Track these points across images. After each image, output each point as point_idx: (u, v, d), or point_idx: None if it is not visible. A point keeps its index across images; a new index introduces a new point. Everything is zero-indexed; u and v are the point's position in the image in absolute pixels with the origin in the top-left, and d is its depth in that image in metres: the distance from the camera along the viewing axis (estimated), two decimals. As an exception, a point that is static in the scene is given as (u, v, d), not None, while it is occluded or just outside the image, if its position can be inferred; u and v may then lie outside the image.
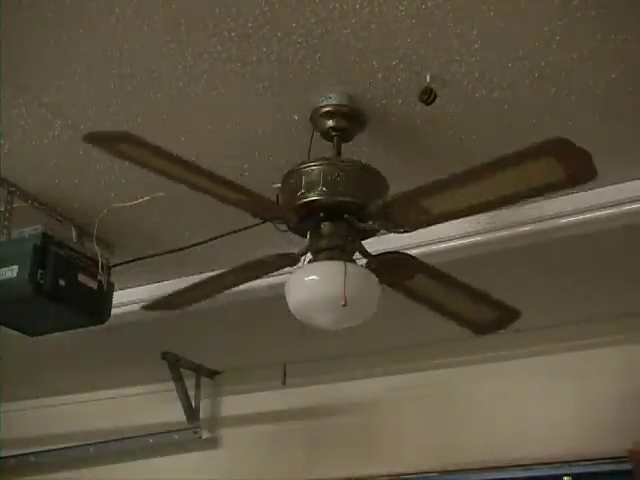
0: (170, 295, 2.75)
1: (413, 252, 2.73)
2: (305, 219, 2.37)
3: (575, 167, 1.91)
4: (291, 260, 2.44)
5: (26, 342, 3.21)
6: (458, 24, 2.10)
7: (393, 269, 2.42)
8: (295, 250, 2.42)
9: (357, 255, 2.45)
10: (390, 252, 2.42)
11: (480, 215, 2.92)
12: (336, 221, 2.34)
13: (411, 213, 2.22)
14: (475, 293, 2.52)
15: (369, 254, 2.42)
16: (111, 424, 4.68)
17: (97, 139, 2.11)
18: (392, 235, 2.67)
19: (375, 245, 2.49)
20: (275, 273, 3.14)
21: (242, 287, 3.25)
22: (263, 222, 2.45)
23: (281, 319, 2.63)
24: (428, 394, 4.01)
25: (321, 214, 2.34)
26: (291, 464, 4.19)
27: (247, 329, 3.89)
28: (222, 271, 2.59)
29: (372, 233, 2.43)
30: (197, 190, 2.23)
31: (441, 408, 3.99)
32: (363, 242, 2.44)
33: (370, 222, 2.32)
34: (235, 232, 2.67)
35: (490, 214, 2.91)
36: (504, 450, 3.74)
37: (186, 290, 2.67)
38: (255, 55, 2.23)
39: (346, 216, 2.32)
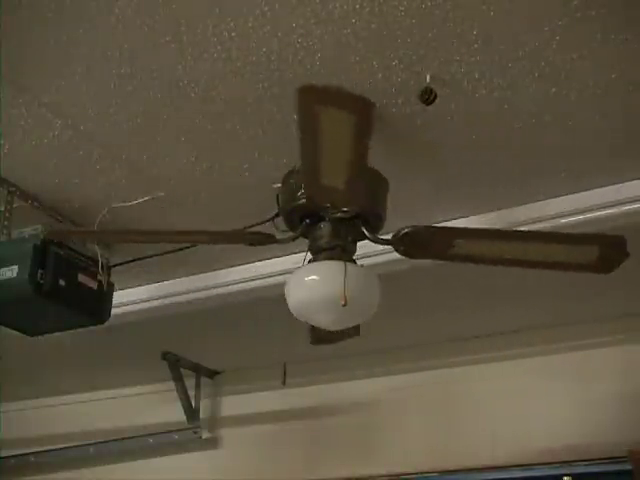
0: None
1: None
2: (305, 219, 2.37)
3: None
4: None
5: (26, 342, 3.21)
6: (458, 24, 2.10)
7: (425, 243, 2.33)
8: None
9: (358, 255, 2.45)
10: (411, 227, 2.33)
11: (480, 215, 2.93)
12: (336, 221, 2.34)
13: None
14: (561, 237, 2.34)
15: (389, 240, 2.35)
16: (111, 424, 4.68)
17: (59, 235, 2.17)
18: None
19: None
20: (275, 273, 3.15)
21: (242, 287, 3.27)
22: (265, 222, 2.46)
23: (281, 319, 2.63)
24: (428, 394, 4.01)
25: (320, 214, 2.34)
26: (291, 464, 4.20)
27: (247, 329, 3.89)
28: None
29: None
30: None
31: (441, 408, 3.99)
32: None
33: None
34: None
35: (490, 214, 2.92)
36: (504, 450, 3.74)
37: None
38: (255, 55, 2.23)
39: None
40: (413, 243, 2.33)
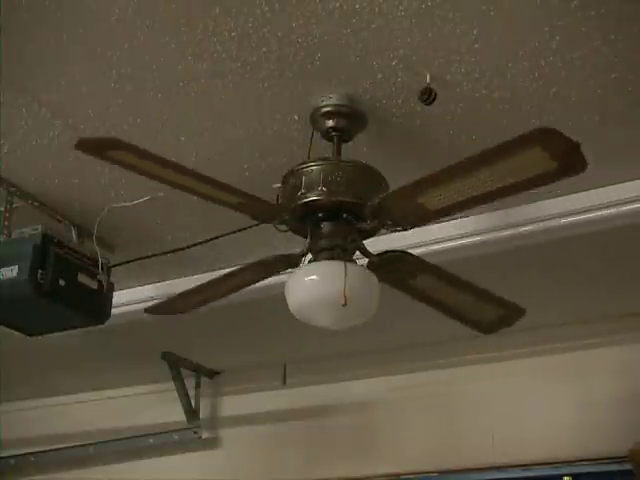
0: (172, 298, 2.75)
1: (414, 252, 2.73)
2: (305, 219, 2.37)
3: (564, 156, 1.91)
4: (292, 261, 2.44)
5: (26, 342, 3.21)
6: (458, 24, 2.10)
7: (395, 268, 2.42)
8: (296, 250, 2.42)
9: (358, 255, 2.45)
10: (392, 251, 2.42)
11: (480, 215, 2.92)
12: (336, 221, 2.34)
13: (408, 210, 2.22)
14: (478, 292, 2.52)
15: (370, 254, 2.42)
16: (111, 424, 4.68)
17: (88, 146, 2.06)
18: (393, 235, 2.67)
19: (376, 245, 2.49)
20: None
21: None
22: (263, 222, 2.45)
23: (281, 319, 2.63)
24: (428, 394, 4.01)
25: (321, 214, 2.34)
26: (291, 464, 4.20)
27: (247, 329, 3.89)
28: (223, 274, 2.59)
29: (372, 233, 2.42)
30: (194, 194, 2.23)
31: (441, 408, 3.99)
32: (364, 242, 2.43)
33: (368, 221, 2.31)
34: (235, 232, 2.67)
35: (490, 214, 2.92)
36: (504, 450, 3.74)
37: (188, 294, 2.67)
38: (255, 55, 2.23)
39: (345, 215, 2.32)
40: (385, 266, 2.39)
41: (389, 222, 2.31)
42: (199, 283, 3.40)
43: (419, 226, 2.37)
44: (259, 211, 2.34)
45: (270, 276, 2.59)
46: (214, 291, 2.65)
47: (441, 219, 2.96)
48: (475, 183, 2.04)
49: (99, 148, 2.06)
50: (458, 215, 2.95)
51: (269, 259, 2.46)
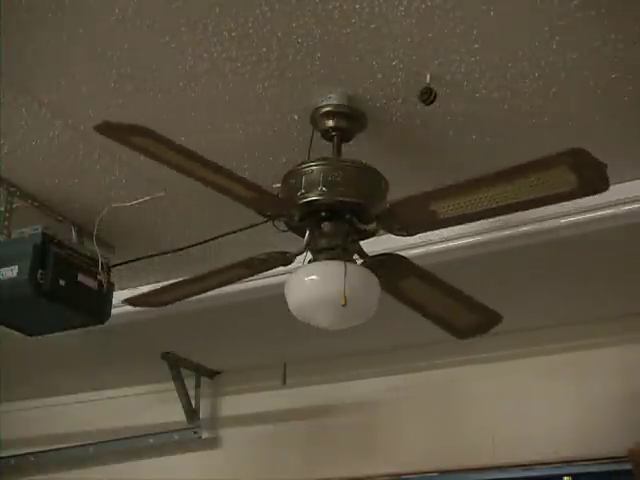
0: (155, 290, 2.75)
1: (412, 252, 2.73)
2: (305, 219, 2.37)
3: (589, 177, 1.91)
4: (286, 259, 2.44)
5: (26, 342, 3.21)
6: (458, 24, 2.10)
7: (387, 271, 2.42)
8: (293, 249, 2.42)
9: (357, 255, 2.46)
10: (383, 254, 2.42)
11: (480, 215, 2.93)
12: (336, 221, 2.34)
13: (419, 217, 2.22)
14: (458, 296, 2.52)
15: (365, 254, 2.42)
16: (111, 424, 4.67)
17: (110, 130, 2.04)
18: (391, 235, 2.67)
19: (374, 246, 2.49)
20: (275, 273, 3.14)
21: (242, 287, 3.26)
22: (265, 222, 2.45)
23: (281, 319, 2.63)
24: (428, 394, 4.01)
25: (321, 214, 2.34)
26: (291, 464, 4.20)
27: (247, 329, 3.88)
28: (211, 269, 2.58)
29: (372, 234, 2.43)
30: (206, 184, 2.23)
31: (441, 408, 3.99)
32: (362, 242, 2.44)
33: (373, 223, 2.31)
34: (235, 232, 2.67)
35: (490, 214, 2.92)
36: (504, 450, 3.74)
37: (172, 287, 2.67)
38: (255, 55, 2.23)
39: (347, 216, 2.32)
40: (379, 268, 2.39)
41: (396, 226, 2.31)
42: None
43: (424, 232, 2.37)
44: (268, 205, 2.33)
45: (260, 273, 2.58)
46: (199, 286, 2.65)
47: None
48: (493, 197, 2.05)
49: (121, 132, 2.04)
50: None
51: (261, 256, 2.45)
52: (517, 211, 2.12)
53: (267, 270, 2.56)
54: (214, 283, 2.65)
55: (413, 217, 2.24)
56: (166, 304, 2.80)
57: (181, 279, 2.67)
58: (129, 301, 2.86)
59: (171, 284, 2.67)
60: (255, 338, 4.00)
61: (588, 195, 2.01)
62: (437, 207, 2.14)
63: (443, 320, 2.64)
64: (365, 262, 2.41)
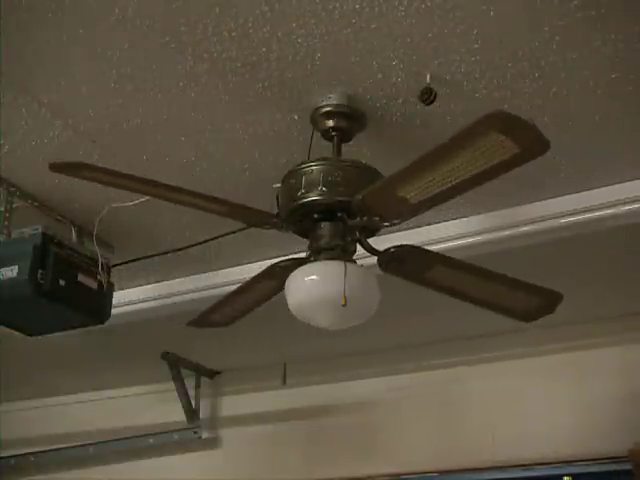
0: (211, 312, 2.75)
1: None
2: (305, 219, 2.37)
3: (524, 138, 1.90)
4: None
5: (26, 342, 3.21)
6: (458, 24, 2.10)
7: (407, 264, 2.39)
8: (303, 254, 2.41)
9: (357, 255, 2.45)
10: (394, 246, 2.39)
11: (480, 215, 2.93)
12: (336, 221, 2.34)
13: (390, 204, 2.21)
14: (510, 281, 2.48)
15: (377, 250, 2.40)
16: (111, 424, 4.67)
17: (60, 169, 2.27)
18: (393, 235, 2.68)
19: (383, 245, 2.48)
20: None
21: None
22: (255, 227, 2.47)
23: (281, 319, 2.63)
24: (428, 394, 4.01)
25: (321, 214, 2.34)
26: (291, 464, 4.20)
27: (247, 329, 3.87)
28: (247, 282, 2.58)
29: (373, 230, 2.41)
30: (183, 205, 2.33)
31: (441, 408, 3.99)
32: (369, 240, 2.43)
33: (358, 218, 2.30)
34: (235, 232, 2.67)
35: (490, 214, 2.92)
36: (504, 450, 3.74)
37: (224, 305, 2.69)
38: (255, 55, 2.23)
39: (339, 214, 2.31)
40: (396, 260, 2.38)
41: (375, 218, 2.30)
42: (199, 284, 3.41)
43: (405, 220, 2.35)
44: (249, 218, 2.35)
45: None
46: (250, 301, 2.67)
47: (441, 220, 2.97)
48: (448, 173, 2.03)
49: (71, 170, 2.25)
50: (458, 215, 2.95)
51: (282, 263, 2.45)
52: (479, 184, 2.09)
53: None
54: (250, 302, 2.67)
55: (386, 206, 2.23)
56: (226, 325, 2.86)
57: (225, 296, 2.68)
58: (190, 323, 2.84)
59: (221, 302, 2.69)
60: (255, 338, 4.00)
61: (534, 157, 1.97)
62: (404, 192, 2.12)
63: (497, 305, 2.57)
64: (380, 258, 2.38)
